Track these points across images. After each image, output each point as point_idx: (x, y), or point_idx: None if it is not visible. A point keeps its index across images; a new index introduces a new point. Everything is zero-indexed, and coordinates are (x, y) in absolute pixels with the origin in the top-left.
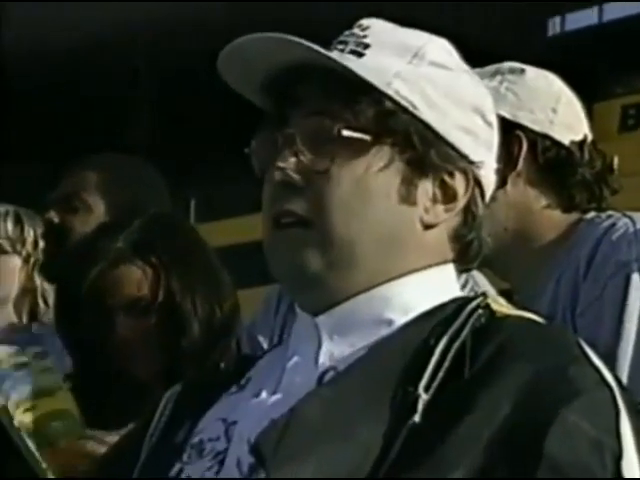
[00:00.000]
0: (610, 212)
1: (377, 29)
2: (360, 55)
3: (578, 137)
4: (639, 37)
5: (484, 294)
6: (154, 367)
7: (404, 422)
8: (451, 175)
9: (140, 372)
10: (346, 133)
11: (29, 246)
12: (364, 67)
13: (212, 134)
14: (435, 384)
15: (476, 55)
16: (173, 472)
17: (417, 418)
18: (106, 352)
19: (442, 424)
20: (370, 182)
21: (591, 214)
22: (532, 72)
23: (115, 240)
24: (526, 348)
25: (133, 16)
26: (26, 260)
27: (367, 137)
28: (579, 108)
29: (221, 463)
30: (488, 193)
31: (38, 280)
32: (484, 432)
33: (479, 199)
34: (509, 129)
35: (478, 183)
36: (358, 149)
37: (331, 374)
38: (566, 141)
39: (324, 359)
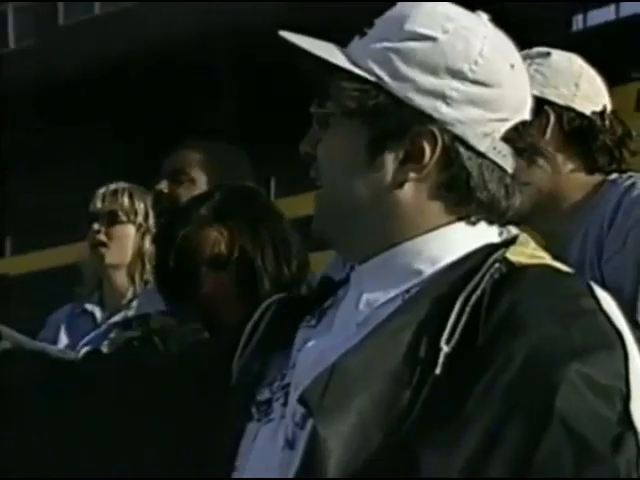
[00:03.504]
0: (630, 173)
1: (393, 9)
2: (361, 37)
3: (598, 108)
4: None
5: (511, 241)
6: (234, 317)
7: (428, 374)
8: (420, 135)
9: (224, 320)
10: (313, 110)
11: (140, 216)
12: (347, 52)
13: (289, 123)
14: (455, 337)
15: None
16: (261, 394)
17: (438, 370)
18: (195, 303)
19: (461, 377)
20: (338, 153)
21: (613, 175)
22: (556, 54)
23: (200, 208)
24: (538, 306)
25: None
26: (138, 229)
27: (336, 112)
28: (599, 83)
29: (286, 395)
30: (481, 142)
31: (148, 246)
32: (499, 386)
33: (463, 149)
34: (539, 104)
35: (457, 138)
36: (334, 124)
37: (366, 324)
38: (588, 112)
39: (362, 306)
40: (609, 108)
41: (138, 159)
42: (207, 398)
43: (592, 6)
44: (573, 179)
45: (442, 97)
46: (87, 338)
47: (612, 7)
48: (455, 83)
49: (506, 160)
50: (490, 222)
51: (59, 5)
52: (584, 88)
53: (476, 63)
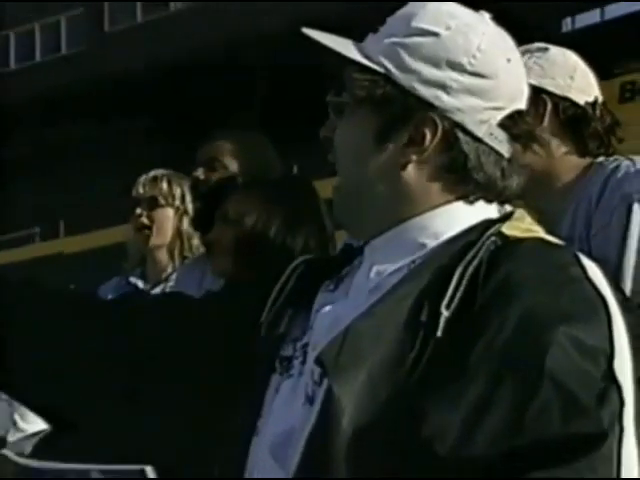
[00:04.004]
0: (615, 156)
1: (404, 7)
2: (375, 32)
3: (591, 99)
4: (632, 31)
5: (508, 216)
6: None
7: (430, 337)
8: (423, 122)
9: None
10: (329, 98)
11: (178, 200)
12: (361, 47)
13: (309, 116)
14: (455, 303)
15: None
16: (285, 350)
17: (439, 333)
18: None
19: (460, 339)
20: (351, 138)
21: (600, 158)
22: (553, 49)
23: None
24: (530, 275)
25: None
26: (176, 211)
27: (349, 100)
28: (591, 76)
29: (304, 354)
30: (478, 129)
31: (185, 226)
32: (495, 347)
33: (461, 135)
34: (537, 93)
35: (456, 124)
36: (347, 112)
37: (376, 291)
38: (581, 102)
39: (373, 275)
40: (600, 99)
41: (177, 150)
42: (238, 348)
43: (580, 10)
44: (566, 161)
45: (443, 87)
46: None
47: (597, 11)
48: (455, 75)
49: (502, 145)
50: (488, 201)
51: (105, 13)
52: (578, 80)
53: (474, 57)
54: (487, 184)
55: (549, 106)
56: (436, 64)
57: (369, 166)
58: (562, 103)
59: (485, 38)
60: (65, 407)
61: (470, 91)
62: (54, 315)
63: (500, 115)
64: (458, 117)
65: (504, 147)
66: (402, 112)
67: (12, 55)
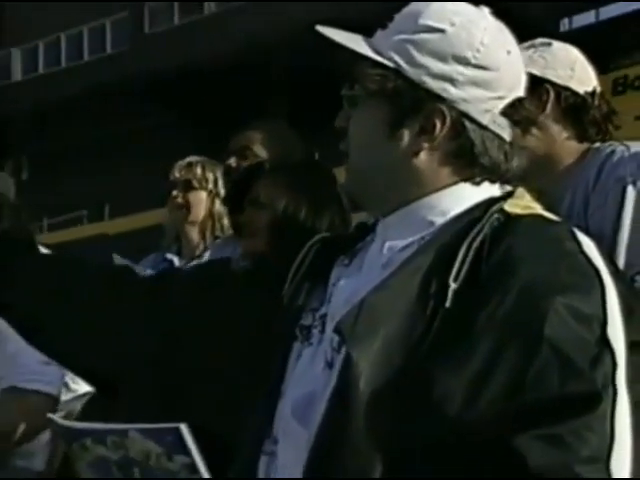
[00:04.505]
0: (610, 142)
1: (410, 5)
2: (383, 29)
3: (589, 89)
4: (625, 30)
5: (510, 193)
6: (258, 249)
7: (439, 307)
8: (432, 112)
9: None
10: (343, 92)
11: (210, 184)
12: (371, 42)
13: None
14: (461, 276)
15: None
16: (305, 319)
17: (448, 304)
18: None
19: (467, 309)
20: (365, 128)
21: (597, 144)
22: (556, 44)
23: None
24: (529, 249)
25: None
26: (209, 194)
27: (362, 93)
28: (590, 69)
29: (323, 324)
30: (483, 117)
31: (217, 208)
32: (498, 316)
33: (468, 123)
34: (540, 83)
35: (463, 114)
36: (361, 104)
37: (388, 266)
38: (581, 91)
39: (385, 250)
40: (598, 90)
41: (207, 141)
42: (264, 318)
43: (577, 10)
44: (567, 146)
45: (450, 80)
46: None
47: (593, 12)
48: (461, 68)
49: (504, 130)
50: (492, 182)
51: (145, 16)
52: (578, 72)
53: (478, 50)
54: (492, 167)
55: (552, 95)
56: (443, 58)
57: (383, 153)
58: (563, 92)
59: (487, 33)
60: (105, 371)
61: (475, 83)
62: (99, 289)
63: (502, 104)
64: (464, 107)
65: (506, 132)
66: (413, 104)
67: (63, 55)
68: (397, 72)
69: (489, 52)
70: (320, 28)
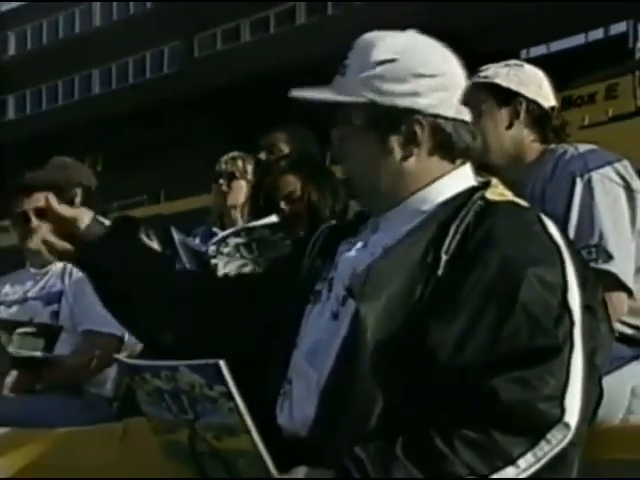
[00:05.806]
0: (562, 144)
1: (355, 49)
2: (343, 75)
3: (552, 104)
4: (573, 60)
5: (487, 183)
6: (302, 230)
7: (433, 274)
8: (412, 124)
9: (297, 232)
10: (333, 133)
11: (249, 174)
12: (340, 88)
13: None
14: (451, 249)
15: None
16: (317, 286)
17: (440, 272)
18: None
19: (455, 277)
20: (358, 150)
21: (552, 146)
22: (527, 66)
23: (280, 163)
24: (506, 229)
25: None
26: (247, 183)
27: (349, 130)
28: (551, 89)
29: (330, 285)
30: (449, 112)
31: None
32: (480, 283)
33: (441, 121)
34: (515, 96)
35: (435, 115)
36: (349, 138)
37: (388, 246)
38: (546, 105)
39: (388, 238)
40: (557, 106)
41: (247, 139)
42: (287, 287)
43: (533, 43)
44: (531, 147)
45: (415, 94)
46: (213, 240)
47: (544, 46)
48: (420, 82)
49: (466, 115)
50: (464, 163)
51: (195, 43)
52: (545, 90)
53: (426, 64)
54: (466, 149)
55: (524, 106)
56: (403, 80)
57: (381, 168)
58: (532, 105)
59: (426, 48)
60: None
61: (435, 89)
62: (190, 281)
63: (457, 96)
64: (434, 110)
65: (467, 116)
66: (393, 124)
67: (130, 75)
68: (372, 104)
69: (434, 62)
70: (296, 92)
